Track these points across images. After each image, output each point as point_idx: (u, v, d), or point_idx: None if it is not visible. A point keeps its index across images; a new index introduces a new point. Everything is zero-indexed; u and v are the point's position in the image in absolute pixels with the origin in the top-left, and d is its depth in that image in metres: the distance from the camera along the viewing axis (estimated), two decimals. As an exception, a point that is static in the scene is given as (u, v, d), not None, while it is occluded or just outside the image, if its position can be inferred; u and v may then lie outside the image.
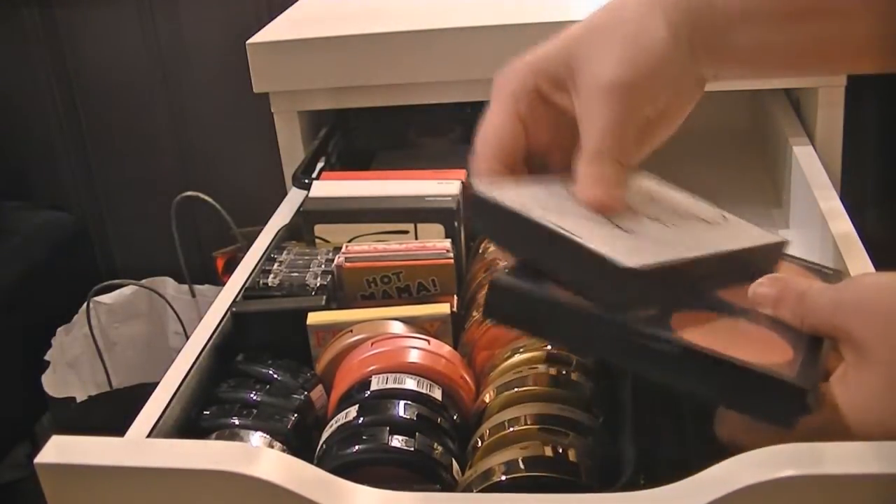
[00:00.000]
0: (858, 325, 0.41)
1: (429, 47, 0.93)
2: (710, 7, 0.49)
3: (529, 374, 0.54)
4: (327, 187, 0.76)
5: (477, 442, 0.52)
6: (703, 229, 0.53)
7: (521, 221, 0.46)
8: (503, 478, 0.47)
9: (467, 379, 0.57)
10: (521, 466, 0.47)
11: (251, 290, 0.64)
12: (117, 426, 0.52)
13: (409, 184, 0.74)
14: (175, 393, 0.55)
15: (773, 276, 0.46)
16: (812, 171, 0.83)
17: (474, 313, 0.62)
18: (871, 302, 0.42)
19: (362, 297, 0.65)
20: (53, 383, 1.33)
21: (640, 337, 0.42)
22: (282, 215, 0.81)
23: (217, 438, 0.53)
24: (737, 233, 0.54)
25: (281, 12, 1.10)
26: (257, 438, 0.53)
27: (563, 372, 0.54)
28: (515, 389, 0.53)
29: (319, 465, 0.50)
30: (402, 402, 0.52)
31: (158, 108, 1.69)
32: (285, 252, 0.70)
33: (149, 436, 0.51)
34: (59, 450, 0.45)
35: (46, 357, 1.37)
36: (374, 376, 0.55)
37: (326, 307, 0.62)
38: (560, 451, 0.48)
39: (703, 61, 0.50)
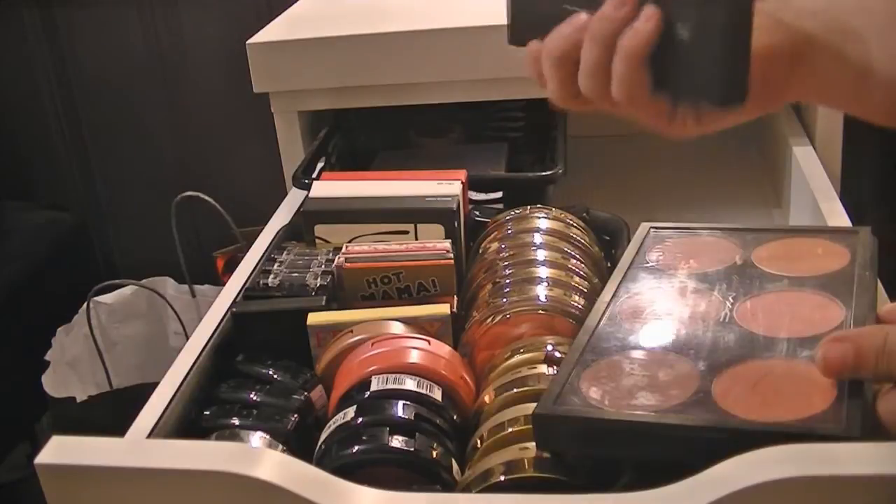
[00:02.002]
0: None
1: (429, 47, 0.93)
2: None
3: (529, 375, 0.54)
4: (327, 187, 0.76)
5: (477, 442, 0.52)
6: None
7: None
8: (502, 478, 0.47)
9: (467, 379, 0.57)
10: (521, 467, 0.47)
11: (251, 291, 0.64)
12: (117, 426, 0.52)
13: (409, 184, 0.74)
14: (175, 393, 0.55)
15: (837, 336, 0.43)
16: (812, 171, 0.83)
17: (474, 314, 0.62)
18: None
19: (362, 298, 0.65)
20: (53, 383, 1.33)
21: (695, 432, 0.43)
22: (282, 215, 0.81)
23: (217, 439, 0.53)
24: None
25: (281, 12, 1.10)
26: (257, 439, 0.53)
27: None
28: (515, 390, 0.53)
29: (319, 465, 0.50)
30: (401, 403, 0.52)
31: (158, 108, 1.69)
32: (285, 252, 0.70)
33: (149, 436, 0.51)
34: (59, 450, 0.45)
35: (46, 357, 1.36)
36: (373, 377, 0.55)
37: (326, 307, 0.62)
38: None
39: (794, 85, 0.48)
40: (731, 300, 0.53)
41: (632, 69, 0.44)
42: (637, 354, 0.50)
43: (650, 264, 0.59)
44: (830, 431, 0.40)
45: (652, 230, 0.63)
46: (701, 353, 0.49)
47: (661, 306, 0.54)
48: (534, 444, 0.48)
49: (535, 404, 0.51)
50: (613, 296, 0.56)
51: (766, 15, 0.44)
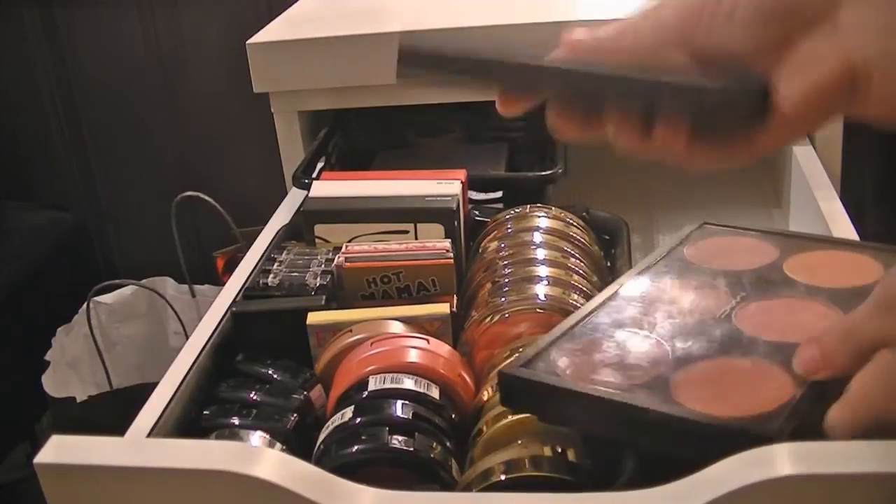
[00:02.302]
0: None
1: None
2: None
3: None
4: (327, 187, 0.76)
5: (477, 433, 0.52)
6: None
7: None
8: (503, 477, 0.47)
9: (466, 378, 0.57)
10: (521, 466, 0.47)
11: (251, 290, 0.64)
12: (117, 426, 0.52)
13: (409, 184, 0.74)
14: (175, 393, 0.55)
15: (807, 341, 0.45)
16: (812, 171, 0.83)
17: (473, 313, 0.63)
18: None
19: (362, 297, 0.65)
20: (53, 383, 1.33)
21: (638, 412, 0.44)
22: (282, 215, 0.81)
23: (217, 438, 0.53)
24: None
25: (281, 12, 1.10)
26: (257, 438, 0.53)
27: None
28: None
29: (318, 464, 0.50)
30: (399, 402, 0.52)
31: (158, 108, 1.69)
32: (285, 252, 0.70)
33: (149, 436, 0.51)
34: (59, 450, 0.45)
35: (46, 357, 1.37)
36: (371, 376, 0.55)
37: (326, 307, 0.62)
38: (560, 450, 0.48)
39: None
40: (739, 299, 0.53)
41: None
42: (620, 335, 0.51)
43: (681, 258, 0.60)
44: (758, 431, 0.41)
45: (705, 226, 0.63)
46: (682, 343, 0.49)
47: (667, 296, 0.55)
48: (534, 443, 0.48)
49: None
50: (633, 279, 0.57)
51: (819, 44, 0.43)
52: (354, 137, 1.06)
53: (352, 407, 0.53)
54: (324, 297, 0.63)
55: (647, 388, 0.46)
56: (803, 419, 0.42)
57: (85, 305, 1.37)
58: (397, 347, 0.57)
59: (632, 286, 0.56)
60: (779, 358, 0.47)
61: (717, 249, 0.60)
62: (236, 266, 0.70)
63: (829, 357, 0.43)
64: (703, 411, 0.43)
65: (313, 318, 0.60)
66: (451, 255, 0.65)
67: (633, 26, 0.45)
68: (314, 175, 0.88)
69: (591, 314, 0.53)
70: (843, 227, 0.69)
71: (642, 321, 0.52)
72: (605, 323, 0.52)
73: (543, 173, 0.83)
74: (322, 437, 0.53)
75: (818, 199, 0.75)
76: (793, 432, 0.41)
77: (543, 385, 0.47)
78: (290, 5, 1.14)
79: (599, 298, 0.55)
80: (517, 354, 0.52)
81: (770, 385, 0.45)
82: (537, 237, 0.68)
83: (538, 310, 0.60)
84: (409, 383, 0.54)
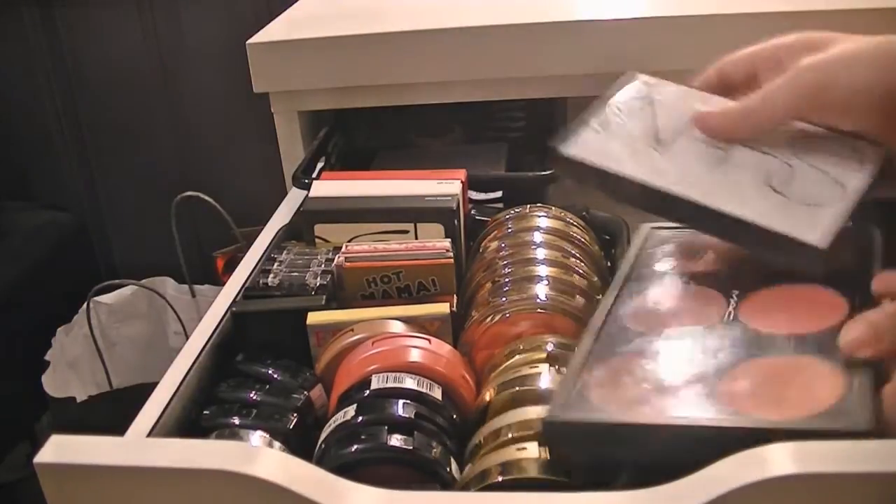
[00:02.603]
0: None
1: (429, 47, 0.93)
2: None
3: (530, 374, 0.54)
4: (327, 187, 0.76)
5: (476, 444, 0.52)
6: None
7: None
8: (500, 479, 0.47)
9: (468, 378, 0.57)
10: (517, 468, 0.47)
11: (251, 290, 0.64)
12: (117, 426, 0.52)
13: (409, 184, 0.74)
14: (175, 393, 0.55)
15: (854, 320, 0.45)
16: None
17: (473, 313, 0.63)
18: None
19: (362, 297, 0.65)
20: (53, 383, 1.33)
21: (713, 432, 0.43)
22: (282, 215, 0.81)
23: (217, 438, 0.53)
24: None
25: (281, 12, 1.10)
26: (257, 438, 0.53)
27: (564, 371, 0.54)
28: (517, 388, 0.53)
29: (318, 464, 0.50)
30: (400, 402, 0.52)
31: (158, 107, 1.69)
32: (285, 252, 0.70)
33: (149, 435, 0.51)
34: (59, 449, 0.45)
35: (46, 357, 1.37)
36: (373, 375, 0.55)
37: (326, 307, 0.62)
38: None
39: None
40: (735, 298, 0.53)
41: None
42: (642, 357, 0.50)
43: (652, 265, 0.59)
44: (842, 427, 0.40)
45: (653, 231, 0.63)
46: (707, 353, 0.49)
47: (665, 307, 0.54)
48: (531, 445, 0.48)
49: (535, 407, 0.51)
50: (617, 297, 0.56)
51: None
52: (354, 137, 1.06)
53: (354, 406, 0.53)
54: (324, 297, 0.63)
55: (698, 405, 0.45)
56: (874, 405, 0.41)
57: (85, 305, 1.37)
58: (398, 347, 0.57)
59: (624, 303, 0.55)
60: (810, 350, 0.46)
61: (682, 252, 0.60)
62: (236, 266, 0.70)
63: (879, 334, 0.44)
64: (774, 418, 0.42)
65: (313, 318, 0.60)
66: (451, 254, 0.65)
67: (753, 108, 0.53)
68: (314, 175, 0.88)
69: (598, 341, 0.52)
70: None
71: (655, 339, 0.51)
72: (619, 349, 0.51)
73: (543, 173, 0.83)
74: (323, 435, 0.53)
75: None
76: (871, 420, 0.40)
77: (600, 424, 0.45)
78: (290, 5, 1.14)
79: (597, 322, 0.53)
80: (551, 401, 0.48)
81: (818, 379, 0.44)
82: (537, 237, 0.68)
83: (539, 310, 0.60)
84: (410, 383, 0.54)
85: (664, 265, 0.59)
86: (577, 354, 0.51)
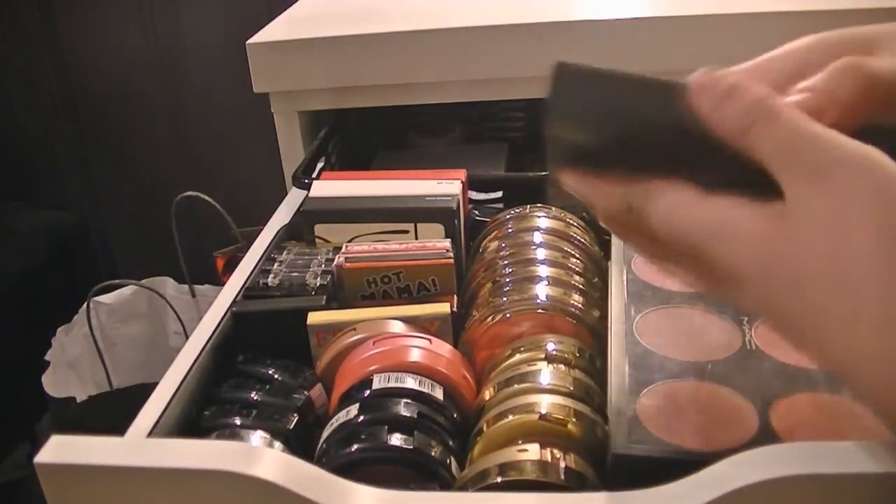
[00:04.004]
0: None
1: (429, 47, 0.93)
2: None
3: (530, 371, 0.54)
4: (327, 187, 0.76)
5: (478, 432, 0.52)
6: None
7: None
8: (498, 479, 0.47)
9: (468, 378, 0.57)
10: (517, 469, 0.47)
11: (251, 290, 0.64)
12: (117, 426, 0.52)
13: (409, 184, 0.74)
14: (175, 393, 0.55)
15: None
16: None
17: (474, 313, 0.63)
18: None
19: (362, 297, 0.65)
20: (53, 383, 1.33)
21: None
22: (282, 215, 0.81)
23: (217, 438, 0.53)
24: None
25: (281, 12, 1.10)
26: (257, 438, 0.53)
27: (563, 369, 0.54)
28: (516, 385, 0.53)
29: (319, 464, 0.50)
30: (402, 401, 0.52)
31: (158, 108, 1.69)
32: (285, 252, 0.70)
33: (149, 436, 0.51)
34: (59, 449, 0.45)
35: (46, 357, 1.37)
36: (375, 375, 0.55)
37: (326, 307, 0.62)
38: (557, 454, 0.48)
39: None
40: (746, 324, 0.53)
41: None
42: (681, 384, 0.50)
43: (642, 281, 0.60)
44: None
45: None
46: (747, 385, 0.49)
47: (686, 328, 0.55)
48: (531, 446, 0.48)
49: (537, 396, 0.51)
50: (626, 316, 0.56)
51: None
52: (354, 137, 1.06)
53: (356, 405, 0.53)
54: (324, 297, 0.63)
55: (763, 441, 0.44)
56: None
57: (85, 305, 1.37)
58: (399, 347, 0.57)
59: (642, 324, 0.55)
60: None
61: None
62: (236, 266, 0.70)
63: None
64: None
65: (313, 318, 0.60)
66: (452, 254, 0.65)
67: None
68: (314, 175, 0.88)
69: (633, 366, 0.52)
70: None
71: (690, 364, 0.51)
72: (656, 376, 0.51)
73: (543, 173, 0.83)
74: (325, 435, 0.53)
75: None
76: None
77: (674, 461, 0.45)
78: (290, 5, 1.14)
79: (621, 345, 0.53)
80: (612, 434, 0.48)
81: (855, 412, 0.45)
82: (538, 237, 0.68)
83: (539, 310, 0.60)
84: (411, 383, 0.54)
85: (648, 280, 0.59)
86: (615, 379, 0.51)
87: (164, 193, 1.38)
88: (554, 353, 0.55)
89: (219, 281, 1.37)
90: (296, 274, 0.65)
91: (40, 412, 1.44)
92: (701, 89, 0.39)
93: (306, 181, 0.80)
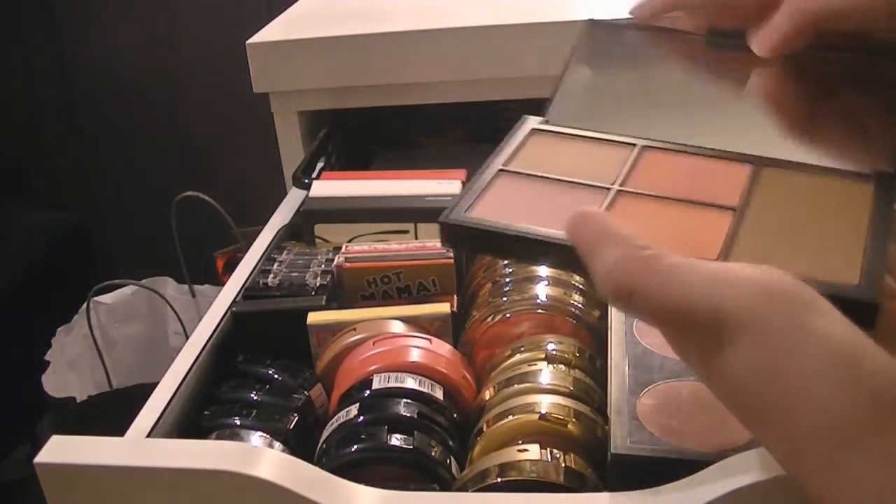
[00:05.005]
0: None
1: (429, 47, 0.93)
2: None
3: (530, 371, 0.54)
4: (327, 187, 0.76)
5: (477, 432, 0.52)
6: None
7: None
8: (498, 479, 0.47)
9: (469, 378, 0.57)
10: (517, 469, 0.47)
11: (251, 290, 0.64)
12: (117, 426, 0.52)
13: (409, 184, 0.74)
14: (175, 393, 0.55)
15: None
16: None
17: (474, 313, 0.63)
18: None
19: (362, 297, 0.65)
20: (53, 383, 1.33)
21: None
22: (282, 215, 0.81)
23: (217, 438, 0.53)
24: None
25: (281, 12, 1.10)
26: (257, 438, 0.53)
27: (563, 369, 0.54)
28: (516, 385, 0.53)
29: (319, 464, 0.50)
30: (402, 401, 0.52)
31: (158, 107, 1.69)
32: (285, 252, 0.70)
33: (149, 436, 0.51)
34: (59, 450, 0.45)
35: (46, 357, 1.37)
36: (375, 375, 0.55)
37: (326, 307, 0.62)
38: (557, 455, 0.48)
39: None
40: None
41: None
42: (681, 384, 0.50)
43: None
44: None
45: None
46: None
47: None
48: (531, 446, 0.48)
49: (537, 396, 0.51)
50: (626, 316, 0.56)
51: None
52: (354, 137, 1.06)
53: (356, 405, 0.53)
54: (324, 297, 0.63)
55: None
56: None
57: (85, 305, 1.37)
58: (399, 347, 0.57)
59: (642, 324, 0.55)
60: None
61: None
62: (236, 266, 0.70)
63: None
64: None
65: (313, 318, 0.60)
66: (452, 254, 0.65)
67: None
68: (314, 175, 0.88)
69: (633, 366, 0.52)
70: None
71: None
72: (655, 376, 0.51)
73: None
74: (325, 435, 0.53)
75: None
76: None
77: (674, 461, 0.45)
78: (290, 5, 1.14)
79: (621, 345, 0.53)
80: (613, 435, 0.47)
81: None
82: (537, 237, 0.68)
83: (539, 310, 0.60)
84: (411, 383, 0.54)
85: None
86: (615, 377, 0.51)
87: (164, 193, 1.38)
88: (554, 353, 0.55)
89: (219, 281, 1.37)
90: (296, 274, 0.65)
91: (40, 412, 1.44)
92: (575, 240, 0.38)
93: (306, 181, 0.80)
